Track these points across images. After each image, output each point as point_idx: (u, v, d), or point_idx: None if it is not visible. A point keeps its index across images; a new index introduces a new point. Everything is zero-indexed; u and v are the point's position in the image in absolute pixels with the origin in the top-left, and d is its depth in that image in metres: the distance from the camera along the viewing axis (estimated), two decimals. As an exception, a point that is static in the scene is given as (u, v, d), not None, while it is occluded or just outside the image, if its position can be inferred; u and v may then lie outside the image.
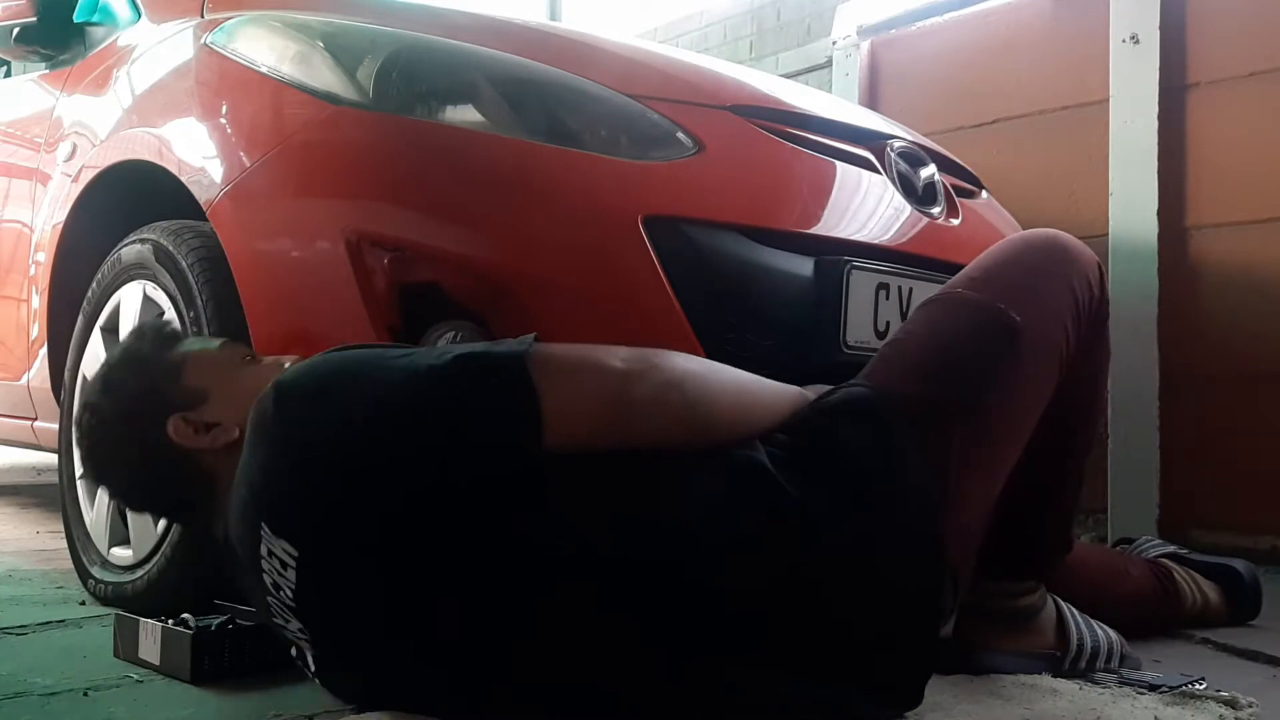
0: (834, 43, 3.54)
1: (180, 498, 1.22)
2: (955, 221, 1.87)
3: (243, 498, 1.06)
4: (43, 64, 2.47)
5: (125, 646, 1.36)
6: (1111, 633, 1.42)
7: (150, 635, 1.32)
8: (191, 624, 1.31)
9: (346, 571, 1.01)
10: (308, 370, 1.08)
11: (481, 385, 0.99)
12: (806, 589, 1.02)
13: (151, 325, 1.35)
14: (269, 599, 1.07)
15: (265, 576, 1.05)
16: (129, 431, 1.21)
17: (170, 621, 1.32)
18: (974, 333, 1.21)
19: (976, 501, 1.15)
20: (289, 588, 1.03)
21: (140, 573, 1.62)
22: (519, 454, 0.98)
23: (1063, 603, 1.41)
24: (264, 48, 1.67)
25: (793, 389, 1.17)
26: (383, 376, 1.02)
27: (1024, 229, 2.19)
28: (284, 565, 1.02)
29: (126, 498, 1.30)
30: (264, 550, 1.03)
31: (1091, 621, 1.42)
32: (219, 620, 1.33)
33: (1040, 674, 1.33)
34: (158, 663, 1.31)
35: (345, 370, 1.06)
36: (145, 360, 1.26)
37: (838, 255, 1.59)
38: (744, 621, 1.01)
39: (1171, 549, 1.80)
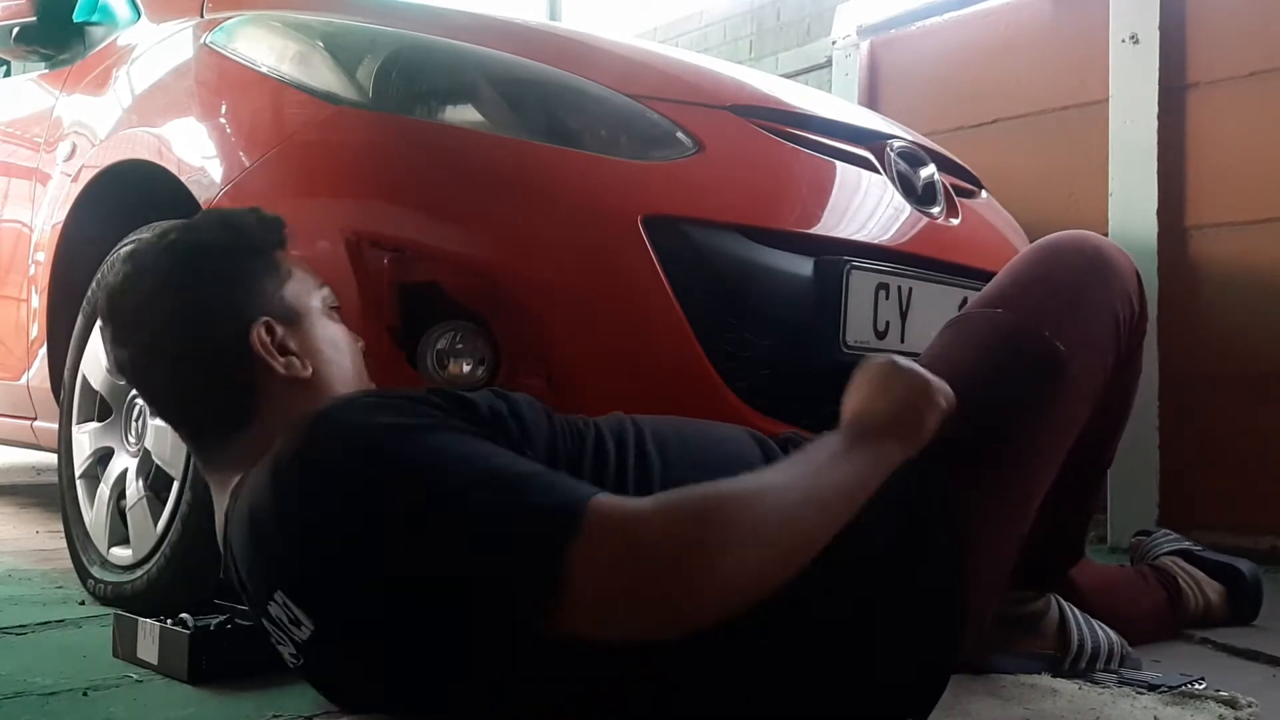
0: (834, 43, 3.54)
1: (222, 413, 1.07)
2: (955, 221, 1.87)
3: (254, 546, 0.97)
4: (42, 64, 2.46)
5: (124, 646, 1.36)
6: (1112, 633, 1.42)
7: (149, 635, 1.32)
8: (190, 624, 1.31)
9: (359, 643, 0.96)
10: (365, 441, 0.92)
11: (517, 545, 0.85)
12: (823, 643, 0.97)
13: (259, 214, 1.20)
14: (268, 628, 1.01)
15: (269, 627, 1.00)
16: (201, 311, 1.07)
17: (169, 621, 1.32)
18: (1012, 364, 1.10)
19: (1006, 543, 1.07)
20: (294, 643, 0.98)
21: (140, 572, 1.62)
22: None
23: (1065, 602, 1.41)
24: (264, 47, 1.67)
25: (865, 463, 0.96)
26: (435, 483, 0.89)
27: (1024, 229, 2.20)
28: (295, 623, 0.95)
29: (158, 387, 1.12)
30: (272, 610, 0.97)
31: (1092, 621, 1.42)
32: (217, 620, 1.33)
33: (1040, 674, 1.33)
34: (156, 662, 1.31)
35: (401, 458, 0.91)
36: (252, 244, 1.13)
37: (837, 255, 1.58)
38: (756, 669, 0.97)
39: (1185, 545, 1.80)
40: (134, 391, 1.78)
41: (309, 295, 1.15)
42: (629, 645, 0.85)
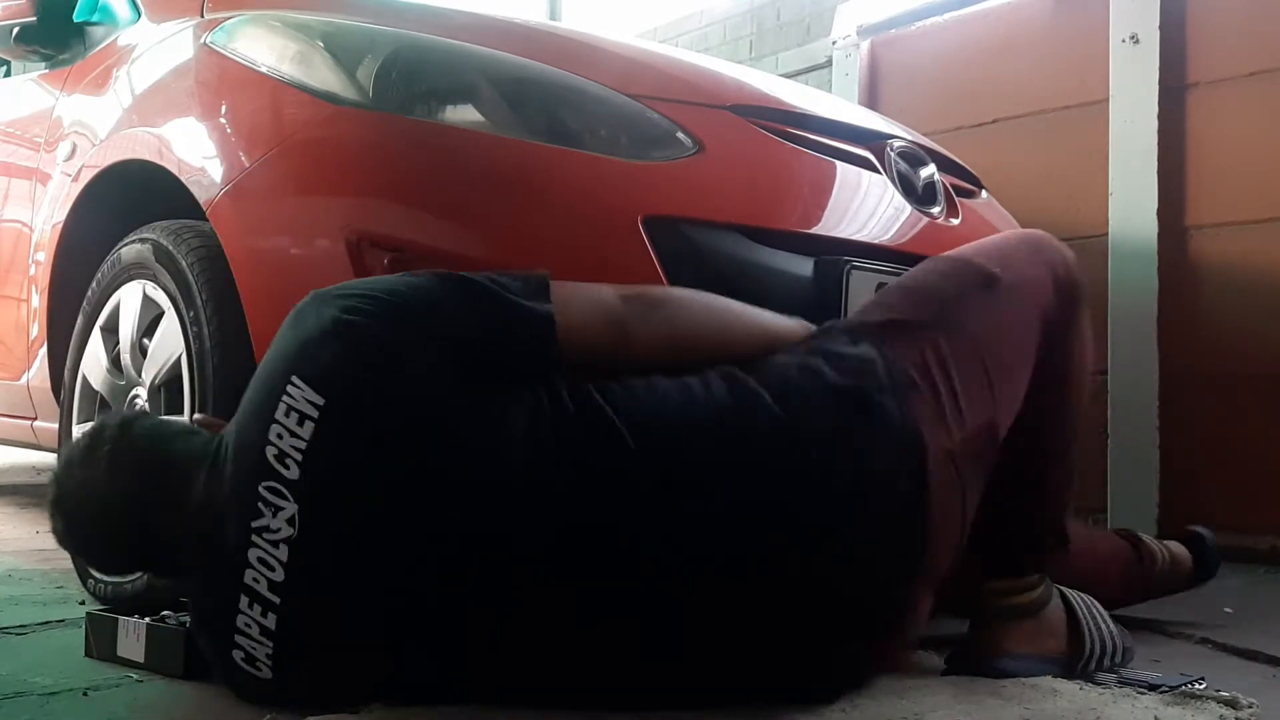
0: (834, 43, 3.54)
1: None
2: (955, 221, 1.87)
3: (269, 373, 1.10)
4: (43, 64, 2.47)
5: (101, 646, 1.36)
6: (1114, 626, 1.42)
7: (133, 633, 1.32)
8: (173, 620, 1.32)
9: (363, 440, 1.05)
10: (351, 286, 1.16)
11: (507, 276, 1.15)
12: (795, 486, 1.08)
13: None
14: (253, 543, 1.06)
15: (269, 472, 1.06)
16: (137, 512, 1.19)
17: (150, 619, 1.33)
18: (950, 275, 1.30)
19: (971, 415, 1.18)
20: (297, 454, 1.04)
21: (139, 572, 1.61)
22: (541, 327, 1.11)
23: (1072, 599, 1.40)
24: (264, 47, 1.67)
25: (790, 322, 1.27)
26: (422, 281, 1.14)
27: (1024, 229, 2.20)
28: (300, 423, 1.04)
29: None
30: (279, 415, 1.05)
31: (1096, 614, 1.41)
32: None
33: (1044, 675, 1.33)
34: (141, 660, 1.30)
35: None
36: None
37: (838, 255, 1.58)
38: (737, 536, 1.07)
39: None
40: (134, 391, 1.78)
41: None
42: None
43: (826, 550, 1.09)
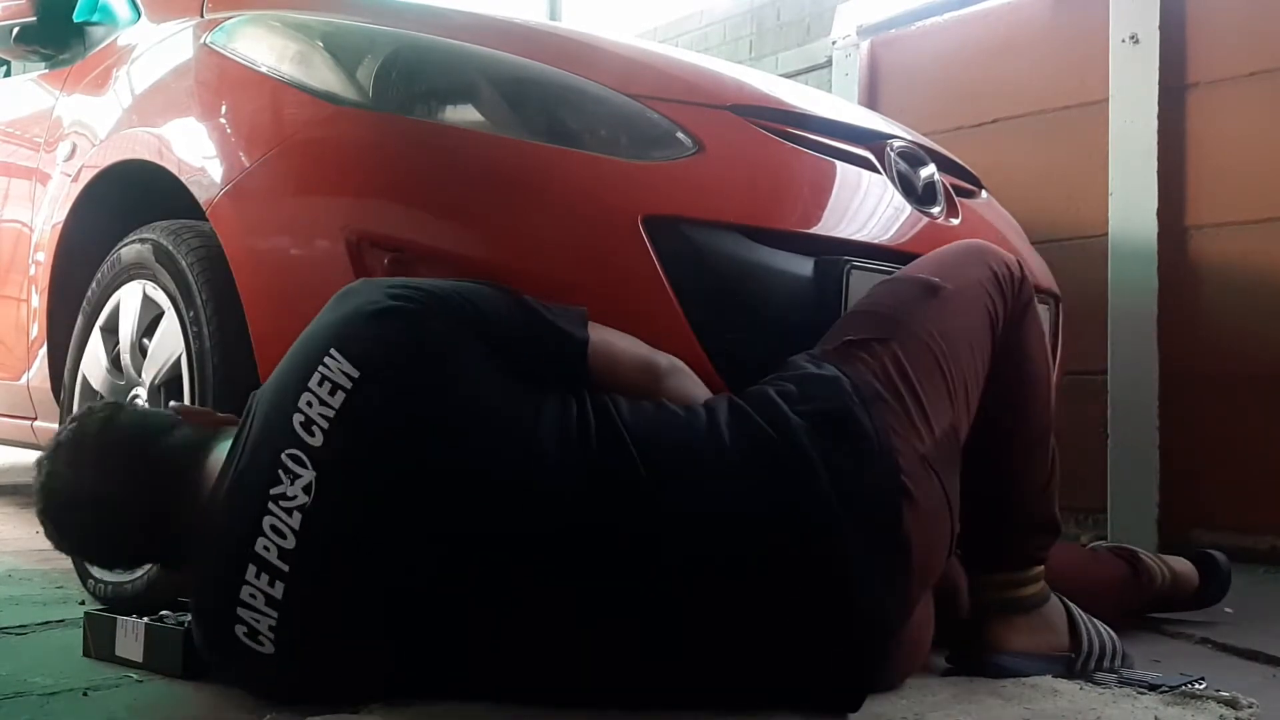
0: (834, 43, 3.54)
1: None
2: (955, 221, 1.87)
3: (307, 344, 1.13)
4: (43, 64, 2.46)
5: (99, 645, 1.36)
6: (1112, 633, 1.42)
7: (131, 633, 1.32)
8: (172, 620, 1.32)
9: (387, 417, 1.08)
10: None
11: (548, 308, 1.21)
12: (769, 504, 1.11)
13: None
14: (265, 522, 1.07)
15: (277, 484, 1.07)
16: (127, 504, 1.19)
17: (148, 619, 1.33)
18: (897, 291, 1.38)
19: (936, 418, 1.23)
20: (324, 421, 1.06)
21: (140, 572, 1.61)
22: (574, 348, 1.18)
23: (1069, 602, 1.41)
24: (264, 47, 1.67)
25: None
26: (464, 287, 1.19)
27: (1024, 229, 2.21)
28: (332, 392, 1.07)
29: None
30: (313, 384, 1.08)
31: (1095, 621, 1.42)
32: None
33: (1044, 674, 1.33)
34: (140, 659, 1.30)
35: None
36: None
37: (838, 255, 1.58)
38: (730, 540, 1.09)
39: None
40: (134, 392, 1.78)
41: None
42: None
43: (818, 554, 1.10)
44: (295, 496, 1.06)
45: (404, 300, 1.13)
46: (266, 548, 1.06)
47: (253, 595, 1.07)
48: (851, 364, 1.24)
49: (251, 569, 1.07)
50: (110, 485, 1.18)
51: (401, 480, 1.07)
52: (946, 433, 1.24)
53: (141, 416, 1.27)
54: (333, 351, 1.09)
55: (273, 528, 1.06)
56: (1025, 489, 1.39)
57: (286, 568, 1.06)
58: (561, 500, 1.07)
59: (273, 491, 1.07)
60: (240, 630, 1.09)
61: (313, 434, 1.07)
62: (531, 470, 1.08)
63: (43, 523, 1.23)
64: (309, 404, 1.08)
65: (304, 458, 1.07)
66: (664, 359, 1.29)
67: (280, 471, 1.07)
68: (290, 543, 1.06)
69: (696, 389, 1.29)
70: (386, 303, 1.12)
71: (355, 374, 1.08)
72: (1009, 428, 1.37)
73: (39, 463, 1.23)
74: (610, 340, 1.25)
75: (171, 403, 1.59)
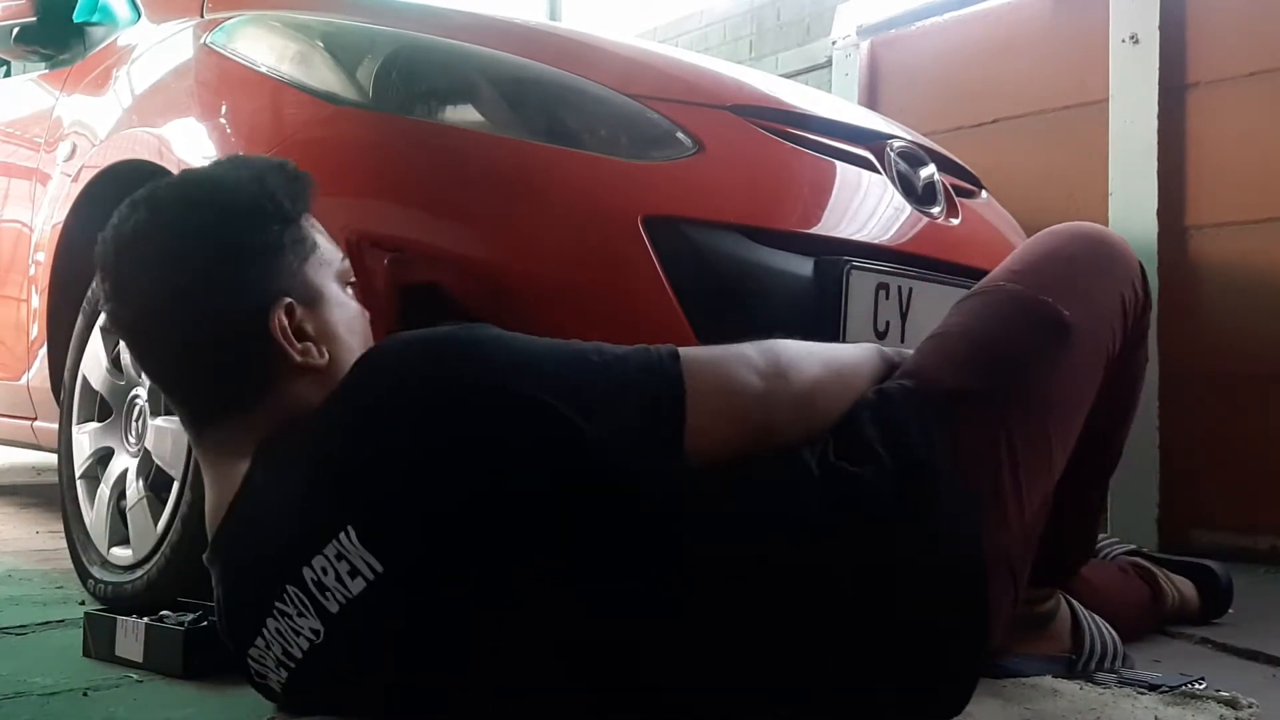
0: (834, 43, 3.54)
1: (226, 395, 1.02)
2: (955, 221, 1.87)
3: (310, 490, 0.96)
4: (43, 64, 2.46)
5: (99, 646, 1.36)
6: (1112, 631, 1.42)
7: (131, 633, 1.32)
8: (172, 620, 1.32)
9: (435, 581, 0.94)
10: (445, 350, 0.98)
11: (633, 398, 0.96)
12: (852, 581, 0.98)
13: (288, 171, 1.09)
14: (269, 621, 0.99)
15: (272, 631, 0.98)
16: (219, 283, 1.00)
17: (148, 619, 1.33)
18: (1021, 325, 1.14)
19: (1030, 500, 1.06)
20: (340, 598, 0.93)
21: (140, 572, 1.62)
22: (660, 471, 0.95)
23: (1074, 602, 1.41)
24: (264, 47, 1.67)
25: (863, 357, 1.12)
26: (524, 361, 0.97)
27: (1024, 229, 2.20)
28: (352, 575, 0.92)
29: (160, 358, 1.06)
30: (329, 553, 0.93)
31: (1097, 619, 1.42)
32: (192, 616, 1.35)
33: (1045, 675, 1.33)
34: (140, 660, 1.31)
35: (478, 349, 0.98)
36: (282, 211, 1.04)
37: (837, 255, 1.58)
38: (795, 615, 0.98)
39: (1132, 547, 1.82)
40: (134, 391, 1.78)
41: (330, 270, 1.08)
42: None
43: (863, 642, 0.99)
44: (300, 632, 0.96)
45: (426, 454, 0.92)
46: (269, 642, 0.99)
47: (261, 657, 1.01)
48: (956, 436, 1.03)
49: (260, 641, 1.00)
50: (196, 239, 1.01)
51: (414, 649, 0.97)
52: (1035, 511, 1.08)
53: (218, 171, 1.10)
54: (349, 529, 0.92)
55: (276, 630, 0.98)
56: (1079, 515, 1.32)
57: (292, 664, 0.99)
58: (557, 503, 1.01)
59: (276, 606, 0.96)
60: (252, 667, 1.04)
61: (327, 599, 0.94)
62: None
63: (115, 319, 1.07)
64: (324, 570, 0.93)
65: (310, 610, 0.95)
66: (768, 391, 1.02)
67: (285, 595, 0.96)
68: (296, 652, 0.98)
69: (795, 388, 1.05)
70: (404, 454, 0.91)
71: (380, 569, 0.92)
72: (1086, 456, 1.20)
73: (104, 246, 1.08)
74: (713, 428, 0.98)
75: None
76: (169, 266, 1.02)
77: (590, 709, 1.02)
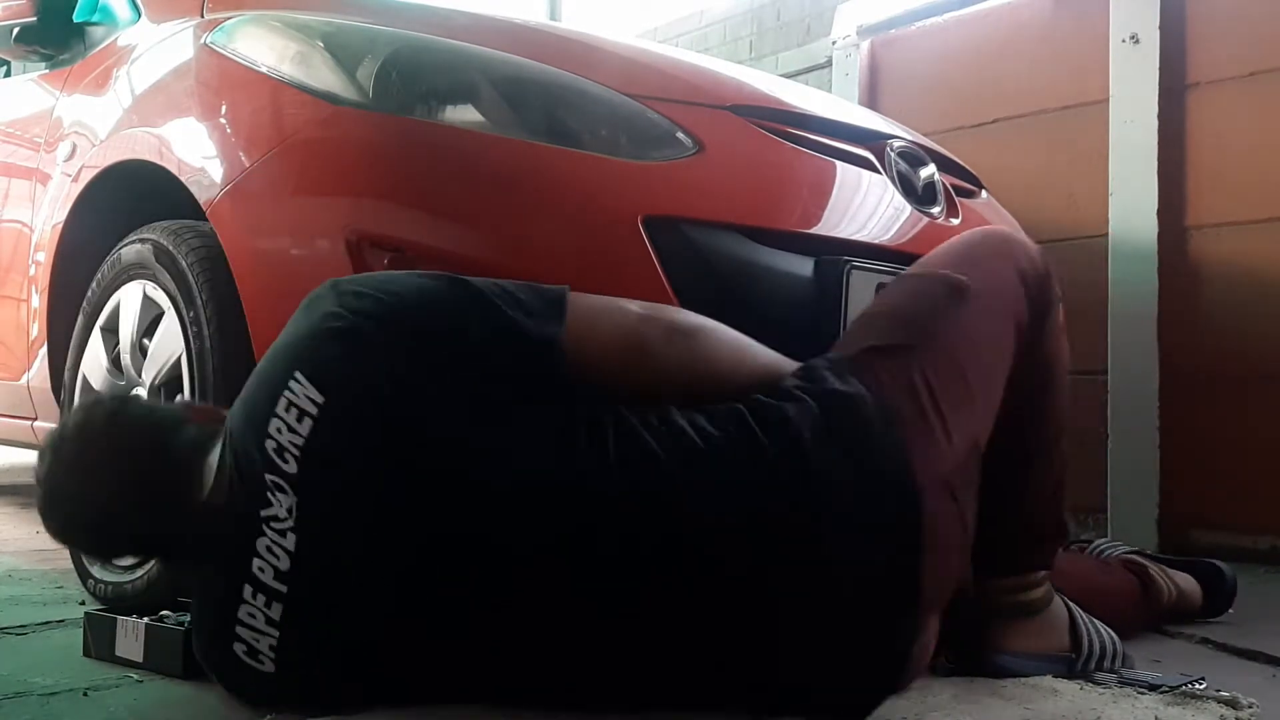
0: (834, 43, 3.54)
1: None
2: (955, 221, 1.87)
3: (273, 364, 1.11)
4: (43, 64, 2.46)
5: (99, 646, 1.36)
6: (1112, 633, 1.42)
7: (131, 633, 1.32)
8: (172, 620, 1.32)
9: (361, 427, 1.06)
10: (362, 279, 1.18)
11: (524, 291, 1.15)
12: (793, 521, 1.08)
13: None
14: (261, 533, 1.06)
15: (270, 456, 1.06)
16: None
17: (149, 619, 1.33)
18: (925, 292, 1.30)
19: (957, 429, 1.17)
20: (295, 450, 1.05)
21: (140, 572, 1.62)
22: (544, 351, 1.10)
23: (1071, 603, 1.41)
24: (264, 47, 1.67)
25: (781, 359, 1.25)
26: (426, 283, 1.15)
27: (1024, 229, 2.20)
28: (300, 419, 1.05)
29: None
30: (280, 409, 1.05)
31: (1095, 621, 1.42)
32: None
33: (1044, 675, 1.33)
34: (140, 660, 1.30)
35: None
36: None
37: (838, 255, 1.58)
38: (734, 566, 1.07)
39: (1133, 549, 1.83)
40: (134, 392, 1.78)
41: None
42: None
43: (830, 577, 1.08)
44: (285, 519, 1.05)
45: (363, 317, 1.08)
46: (261, 569, 1.06)
47: (251, 615, 1.07)
48: (874, 375, 1.17)
49: (248, 589, 1.07)
50: (115, 479, 1.16)
51: (379, 502, 1.06)
52: (967, 449, 1.19)
53: (150, 410, 1.25)
54: (297, 375, 1.07)
55: (267, 548, 1.06)
56: (1036, 494, 1.37)
57: (284, 589, 1.06)
58: (552, 505, 1.06)
59: (264, 514, 1.06)
60: (240, 649, 1.08)
61: (286, 461, 1.05)
62: (514, 477, 1.06)
63: (43, 515, 1.21)
64: (279, 430, 1.06)
65: (283, 483, 1.06)
66: (645, 327, 1.17)
67: (268, 494, 1.06)
68: (285, 564, 1.05)
69: (687, 344, 1.19)
70: (346, 319, 1.08)
71: (320, 399, 1.05)
72: (1024, 432, 1.32)
73: (42, 453, 1.21)
74: (587, 324, 1.14)
75: (179, 397, 1.59)
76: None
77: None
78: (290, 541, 1.05)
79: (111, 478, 1.16)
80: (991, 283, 1.31)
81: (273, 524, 1.06)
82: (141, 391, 1.75)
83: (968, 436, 1.19)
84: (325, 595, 1.07)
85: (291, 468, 1.05)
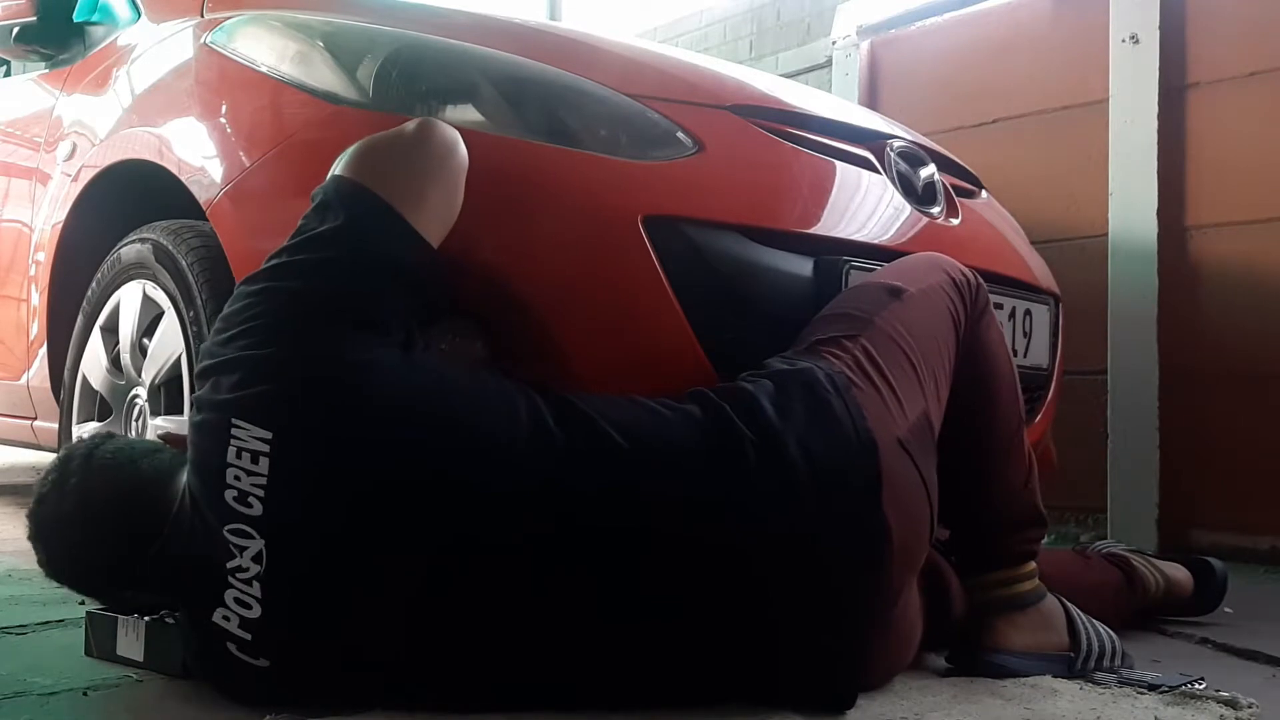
0: (834, 42, 3.54)
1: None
2: (955, 221, 1.87)
3: (209, 423, 1.09)
4: (43, 64, 2.46)
5: (100, 645, 1.36)
6: (1111, 633, 1.42)
7: (131, 631, 1.32)
8: (172, 619, 1.31)
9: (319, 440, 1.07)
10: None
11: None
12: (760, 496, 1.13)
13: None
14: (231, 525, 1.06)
15: (229, 490, 1.05)
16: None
17: (149, 618, 1.33)
18: (865, 295, 1.42)
19: (907, 400, 1.26)
20: (258, 487, 1.04)
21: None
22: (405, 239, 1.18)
23: (1067, 602, 1.42)
24: (264, 47, 1.67)
25: None
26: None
27: (1024, 229, 2.21)
28: (255, 460, 1.05)
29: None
30: (231, 453, 1.05)
31: (1094, 620, 1.42)
32: None
33: (1044, 674, 1.33)
34: (140, 659, 1.30)
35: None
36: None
37: (837, 255, 1.58)
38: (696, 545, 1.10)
39: (1126, 547, 1.84)
40: (134, 391, 1.78)
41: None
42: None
43: (797, 536, 1.12)
44: (249, 568, 1.05)
45: (272, 333, 1.09)
46: (226, 618, 1.07)
47: (240, 602, 1.08)
48: (824, 359, 1.27)
49: (229, 645, 1.08)
50: (92, 508, 1.18)
51: (355, 512, 1.06)
52: (919, 419, 1.27)
53: (127, 443, 1.27)
54: (235, 421, 1.06)
55: (236, 600, 1.06)
56: (1005, 486, 1.42)
57: (249, 637, 1.07)
58: (540, 501, 1.07)
59: (229, 565, 1.06)
60: (232, 646, 1.09)
61: (250, 505, 1.05)
62: (493, 464, 1.07)
63: (34, 547, 1.24)
64: (237, 478, 1.06)
65: (248, 529, 1.05)
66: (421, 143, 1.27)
67: (230, 547, 1.06)
68: (255, 612, 1.06)
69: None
70: (261, 349, 1.08)
71: (268, 435, 1.05)
72: (980, 426, 1.41)
73: (35, 490, 1.25)
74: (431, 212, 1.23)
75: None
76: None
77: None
78: (258, 590, 1.06)
79: (91, 518, 1.18)
80: (923, 285, 1.42)
81: (239, 574, 1.06)
82: (141, 391, 1.75)
83: (917, 407, 1.28)
84: (303, 623, 1.07)
85: (256, 510, 1.05)
